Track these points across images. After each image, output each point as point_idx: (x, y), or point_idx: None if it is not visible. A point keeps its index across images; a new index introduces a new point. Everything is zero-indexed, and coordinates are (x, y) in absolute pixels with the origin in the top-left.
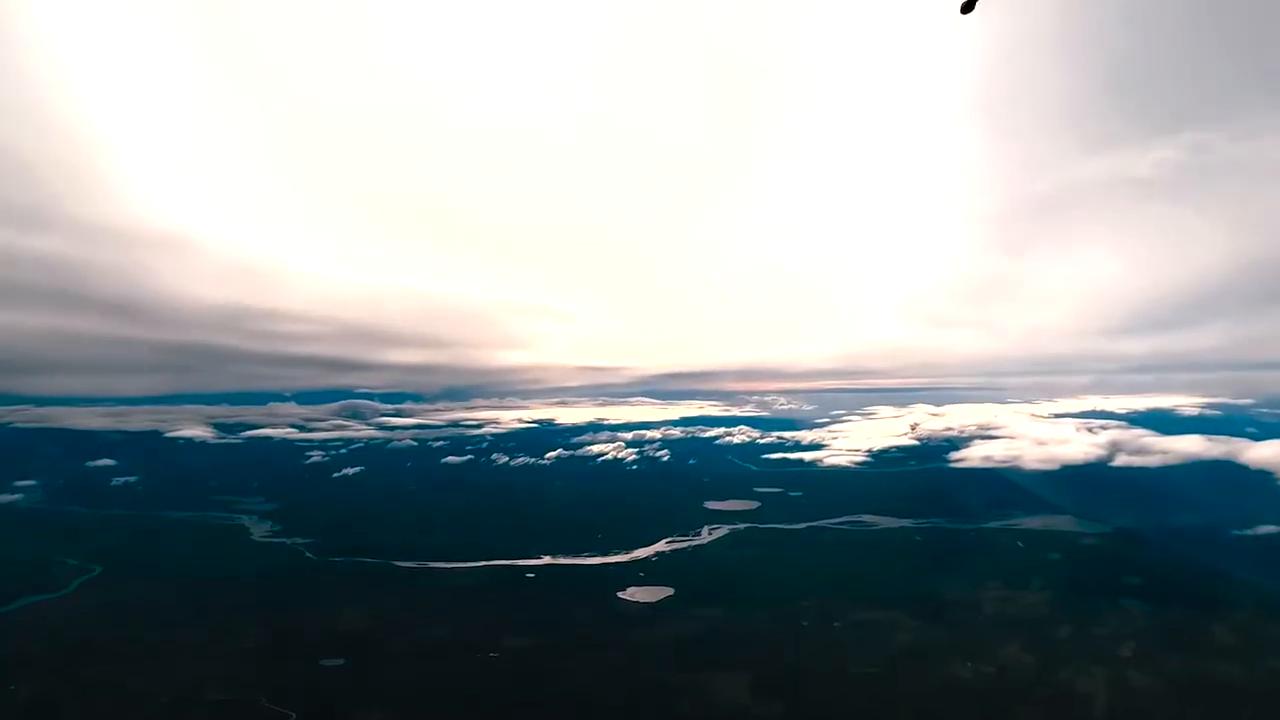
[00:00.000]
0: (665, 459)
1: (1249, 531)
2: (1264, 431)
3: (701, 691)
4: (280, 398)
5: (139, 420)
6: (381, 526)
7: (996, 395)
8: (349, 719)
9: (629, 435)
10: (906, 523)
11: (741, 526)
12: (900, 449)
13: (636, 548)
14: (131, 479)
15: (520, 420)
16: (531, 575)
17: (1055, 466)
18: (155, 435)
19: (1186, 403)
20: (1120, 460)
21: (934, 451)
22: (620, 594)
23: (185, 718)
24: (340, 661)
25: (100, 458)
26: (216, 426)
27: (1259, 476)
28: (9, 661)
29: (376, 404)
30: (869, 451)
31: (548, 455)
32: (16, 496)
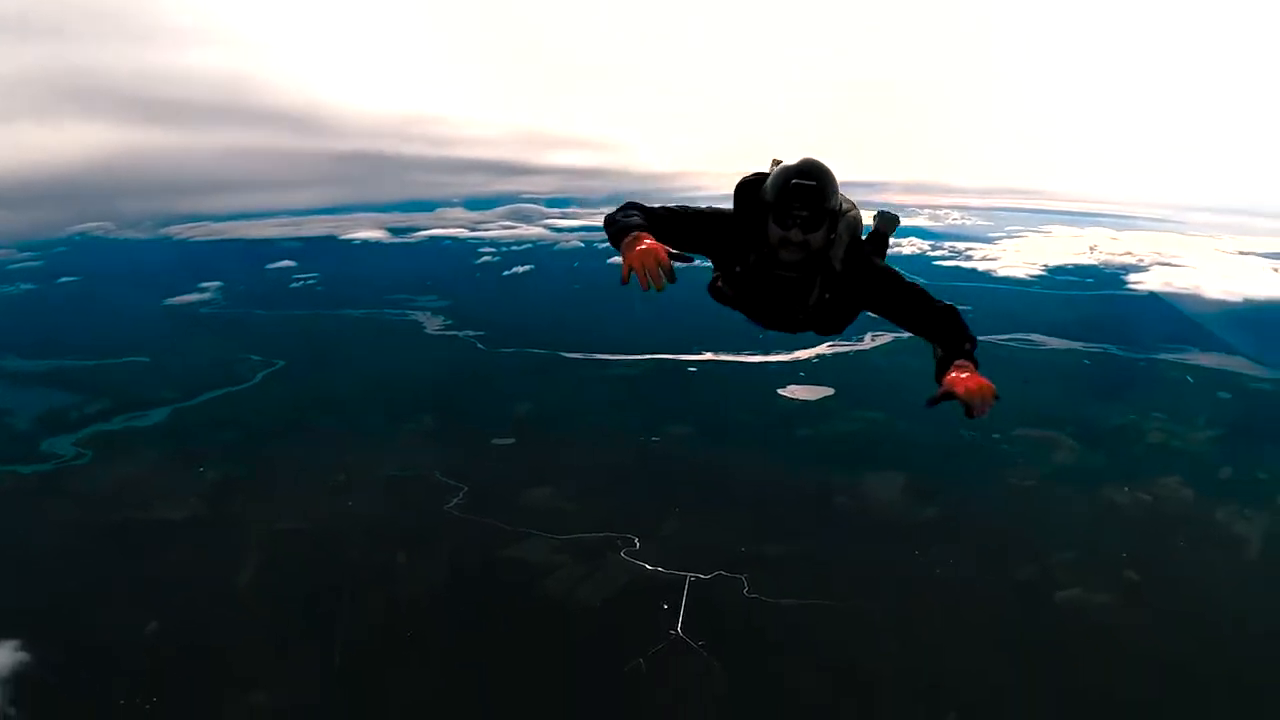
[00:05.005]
0: None
1: None
2: None
3: (856, 489)
4: (449, 204)
5: (315, 227)
6: (549, 321)
7: (1179, 227)
8: (518, 492)
9: None
10: (1076, 345)
11: (906, 336)
12: (1077, 267)
13: (798, 349)
14: (310, 279)
15: None
16: (693, 369)
17: (1237, 301)
18: (331, 239)
19: None
20: None
21: (1111, 275)
22: (780, 390)
23: (361, 492)
24: (510, 441)
25: (279, 260)
26: (390, 230)
27: None
28: (197, 448)
29: (542, 208)
30: (1044, 266)
31: None
32: (202, 296)
